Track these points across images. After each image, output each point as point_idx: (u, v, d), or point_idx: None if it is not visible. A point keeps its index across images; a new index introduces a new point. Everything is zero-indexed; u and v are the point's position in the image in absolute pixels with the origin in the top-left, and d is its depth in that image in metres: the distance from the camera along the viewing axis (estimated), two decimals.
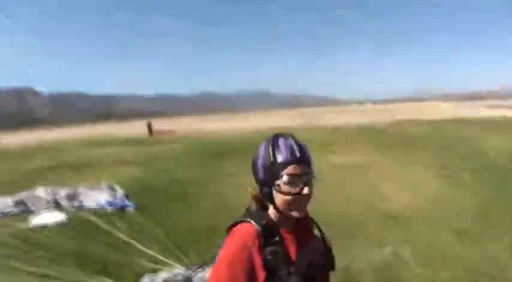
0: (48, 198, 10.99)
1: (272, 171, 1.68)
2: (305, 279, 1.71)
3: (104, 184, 11.98)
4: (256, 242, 1.67)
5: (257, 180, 1.80)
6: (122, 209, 10.11)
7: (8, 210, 10.49)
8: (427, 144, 18.02)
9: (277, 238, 1.71)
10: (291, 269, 1.67)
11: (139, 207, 10.09)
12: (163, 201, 10.74)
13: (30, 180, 14.60)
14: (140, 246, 7.00)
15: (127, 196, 11.12)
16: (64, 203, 10.81)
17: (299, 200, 1.68)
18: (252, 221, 1.74)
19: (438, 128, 26.89)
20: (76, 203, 10.75)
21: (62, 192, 11.23)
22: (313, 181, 1.73)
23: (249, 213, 1.80)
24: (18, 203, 10.79)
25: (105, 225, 8.60)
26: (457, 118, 37.51)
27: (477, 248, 6.29)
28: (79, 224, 9.10)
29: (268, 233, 1.70)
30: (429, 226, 7.19)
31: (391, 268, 5.54)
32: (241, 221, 1.77)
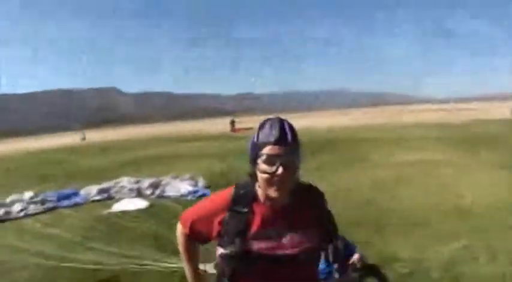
0: (131, 186, 11.35)
1: (254, 150, 1.76)
2: (254, 259, 1.75)
3: (186, 175, 12.22)
4: (225, 206, 1.82)
5: None
6: (201, 197, 10.12)
7: (92, 197, 10.93)
8: (504, 143, 17.26)
9: (245, 209, 1.79)
10: (236, 241, 1.74)
11: None
12: None
13: (114, 172, 15.17)
14: None
15: (208, 186, 11.22)
16: (146, 191, 11.07)
17: (275, 180, 1.69)
18: (233, 188, 1.88)
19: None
20: (158, 192, 10.98)
21: (145, 182, 11.53)
22: (296, 163, 1.74)
23: (243, 183, 1.90)
24: (102, 191, 11.21)
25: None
26: None
27: None
28: (160, 210, 9.28)
29: (239, 202, 1.81)
30: (501, 224, 6.85)
31: (461, 263, 5.34)
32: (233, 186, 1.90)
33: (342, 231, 5.62)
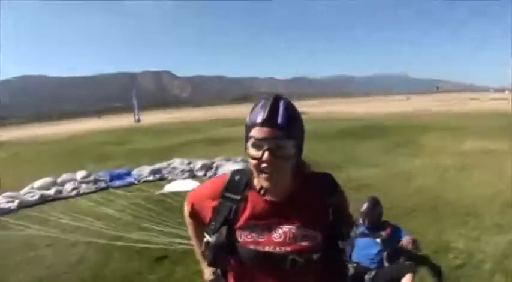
0: (184, 168, 11.41)
1: (246, 132, 1.54)
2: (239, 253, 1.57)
3: (238, 157, 12.23)
4: (219, 192, 1.65)
5: None
6: None
7: (145, 177, 11.05)
8: None
9: (237, 196, 1.62)
10: (222, 230, 1.58)
11: None
12: None
13: (169, 154, 15.29)
14: None
15: None
16: (199, 172, 11.14)
17: (263, 167, 1.46)
18: (230, 173, 1.72)
19: None
20: (210, 173, 11.02)
21: (198, 163, 11.58)
22: (290, 149, 1.48)
23: (241, 169, 1.73)
24: (155, 171, 11.32)
25: None
26: None
27: None
28: None
29: (232, 189, 1.64)
30: None
31: (508, 256, 5.13)
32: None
33: (397, 219, 5.51)
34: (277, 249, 1.53)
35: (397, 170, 10.61)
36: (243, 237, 1.56)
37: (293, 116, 1.50)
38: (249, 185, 1.63)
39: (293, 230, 1.54)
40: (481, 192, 8.32)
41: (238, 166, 10.79)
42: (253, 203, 1.59)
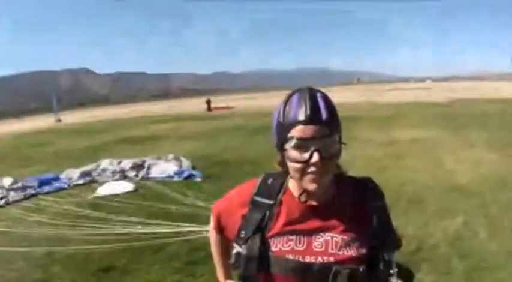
0: (114, 168, 11.05)
1: (281, 133, 1.34)
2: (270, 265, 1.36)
3: (169, 155, 11.96)
4: (247, 198, 1.48)
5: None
6: (188, 179, 10.04)
7: (74, 181, 10.57)
8: (487, 122, 17.46)
9: (270, 201, 1.44)
10: (254, 239, 1.38)
11: (205, 177, 10.04)
12: (227, 171, 10.65)
13: (93, 154, 15.01)
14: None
15: (193, 167, 11.03)
16: (130, 173, 10.82)
17: (310, 169, 1.29)
18: (260, 177, 1.54)
19: (498, 106, 25.83)
20: (142, 174, 10.72)
21: (128, 164, 11.24)
22: (336, 147, 1.33)
23: (274, 172, 1.52)
24: (84, 174, 10.88)
25: (173, 193, 8.63)
26: None
27: None
28: (147, 192, 9.12)
29: (264, 193, 1.47)
30: (495, 199, 6.96)
31: (462, 239, 5.42)
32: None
33: None
34: (319, 259, 1.34)
35: None
36: (279, 246, 1.37)
37: (334, 109, 1.34)
38: (283, 188, 1.46)
39: (335, 238, 1.37)
40: (420, 179, 8.72)
41: (171, 165, 10.60)
42: (290, 208, 1.42)
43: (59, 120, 53.82)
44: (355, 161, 10.71)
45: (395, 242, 1.47)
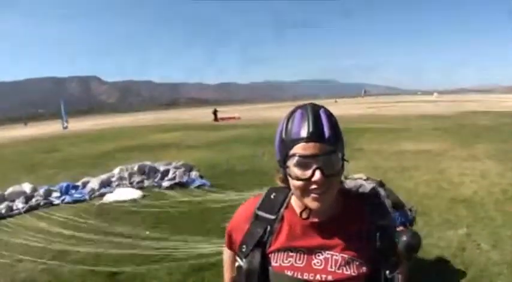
0: (124, 175, 11.03)
1: (283, 150, 1.34)
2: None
3: (179, 163, 11.99)
4: (250, 212, 1.50)
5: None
6: (197, 187, 10.09)
7: (97, 192, 10.20)
8: (493, 135, 17.45)
9: (271, 216, 1.45)
10: (255, 253, 1.41)
11: (213, 186, 10.05)
12: (233, 180, 10.69)
13: (101, 161, 15.18)
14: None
15: (201, 176, 11.07)
16: (139, 180, 10.84)
17: (311, 187, 1.28)
18: (264, 192, 1.55)
19: (505, 119, 25.80)
20: (151, 181, 10.78)
21: (136, 170, 11.25)
22: (339, 164, 1.30)
23: (278, 187, 1.52)
24: (104, 183, 10.67)
25: (181, 201, 8.72)
26: None
27: None
28: (154, 199, 9.15)
29: (266, 207, 1.48)
30: (499, 211, 7.04)
31: (464, 249, 5.47)
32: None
33: None
34: (317, 277, 1.34)
35: None
36: (279, 261, 1.39)
37: (337, 125, 1.33)
38: (285, 203, 1.48)
39: (335, 257, 1.37)
40: (425, 191, 8.75)
41: (180, 173, 10.59)
42: (291, 224, 1.43)
43: (66, 127, 53.86)
44: (361, 172, 10.81)
45: (398, 261, 1.41)
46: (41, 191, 9.98)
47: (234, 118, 46.80)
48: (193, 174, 11.17)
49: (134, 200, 9.15)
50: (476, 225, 6.36)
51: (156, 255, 5.91)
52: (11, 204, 9.24)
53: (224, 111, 56.93)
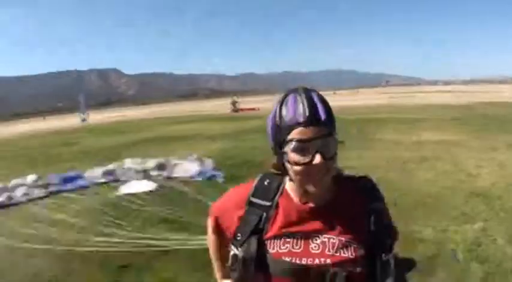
0: (138, 168, 11.05)
1: (278, 135, 1.32)
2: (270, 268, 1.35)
3: (193, 155, 11.94)
4: (243, 199, 1.48)
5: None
6: (210, 179, 10.04)
7: (98, 180, 10.63)
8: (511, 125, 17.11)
9: (266, 203, 1.44)
10: (251, 241, 1.38)
11: (227, 178, 10.02)
12: (251, 171, 10.63)
13: (118, 154, 15.18)
14: None
15: (215, 168, 11.03)
16: (153, 173, 10.82)
17: (312, 171, 1.27)
18: (257, 178, 1.53)
19: None
20: (165, 173, 10.73)
21: (152, 163, 11.23)
22: (335, 146, 1.30)
23: (271, 173, 1.51)
24: (107, 173, 10.91)
25: (194, 193, 8.67)
26: None
27: None
28: (169, 191, 9.14)
29: (260, 194, 1.46)
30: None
31: (480, 244, 5.35)
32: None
33: None
34: (316, 261, 1.33)
35: (356, 163, 10.52)
36: (276, 248, 1.37)
37: (330, 107, 1.32)
38: (280, 190, 1.46)
39: (332, 240, 1.35)
40: (443, 183, 8.57)
41: (194, 165, 10.60)
42: (287, 209, 1.41)
43: (84, 120, 54.23)
44: (381, 162, 10.79)
45: (392, 242, 1.42)
46: (43, 180, 10.27)
47: (253, 109, 46.49)
48: (208, 165, 11.12)
49: (147, 193, 9.14)
50: (492, 219, 6.23)
51: (166, 247, 5.92)
52: (12, 194, 9.48)
53: (244, 102, 56.82)
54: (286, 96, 1.33)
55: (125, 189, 9.53)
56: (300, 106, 1.26)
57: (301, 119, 1.24)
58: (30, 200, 9.37)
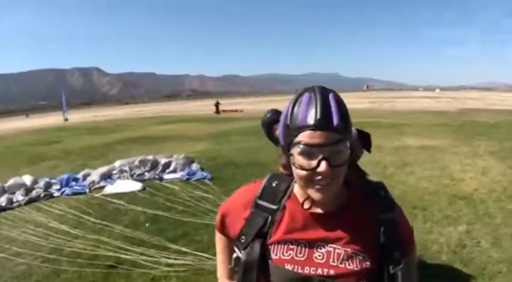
0: (125, 168, 11.00)
1: (287, 136, 1.25)
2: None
3: (180, 155, 11.95)
4: (250, 200, 1.42)
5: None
6: (197, 180, 9.99)
7: (96, 185, 10.15)
8: (495, 132, 17.40)
9: (272, 206, 1.37)
10: (254, 244, 1.34)
11: (213, 178, 10.03)
12: (235, 172, 10.74)
13: (102, 153, 15.29)
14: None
15: (201, 168, 11.03)
16: (140, 172, 10.83)
17: (316, 177, 1.20)
18: (264, 179, 1.46)
19: (506, 117, 25.75)
20: (152, 174, 10.74)
21: (138, 163, 11.24)
22: (346, 154, 1.21)
23: (279, 174, 1.45)
24: (104, 176, 10.59)
25: (181, 194, 8.65)
26: None
27: None
28: (156, 191, 9.08)
29: (267, 196, 1.40)
30: (499, 209, 7.03)
31: (464, 246, 5.48)
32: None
33: None
34: (319, 271, 1.27)
35: None
36: (279, 254, 1.31)
37: (346, 112, 1.23)
38: (288, 193, 1.40)
39: (338, 250, 1.29)
40: (426, 186, 8.71)
41: (181, 165, 10.58)
42: (293, 215, 1.35)
43: (67, 119, 53.69)
44: (362, 166, 10.80)
45: (402, 255, 1.33)
46: (41, 183, 9.92)
47: (236, 111, 46.53)
48: (194, 166, 11.14)
49: (134, 192, 9.13)
50: (476, 223, 6.35)
51: (155, 246, 5.93)
52: (11, 196, 9.19)
53: (226, 104, 56.80)
54: (300, 95, 1.24)
55: (112, 189, 9.51)
56: (313, 107, 1.18)
57: (311, 122, 1.17)
58: (27, 203, 9.03)
